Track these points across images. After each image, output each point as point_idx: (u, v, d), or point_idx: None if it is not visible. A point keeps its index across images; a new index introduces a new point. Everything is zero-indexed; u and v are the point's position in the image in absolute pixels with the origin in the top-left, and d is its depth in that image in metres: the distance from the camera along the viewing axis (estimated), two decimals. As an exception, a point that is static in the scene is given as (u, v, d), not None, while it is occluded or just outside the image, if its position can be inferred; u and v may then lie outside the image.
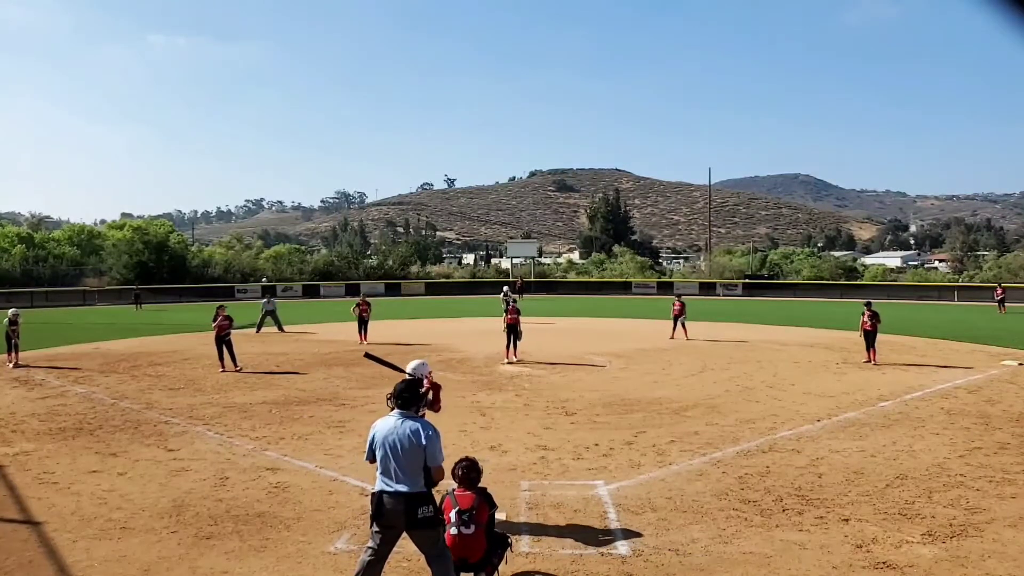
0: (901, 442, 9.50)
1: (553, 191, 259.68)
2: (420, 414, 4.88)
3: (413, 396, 4.78)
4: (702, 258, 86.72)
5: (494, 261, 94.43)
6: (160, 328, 26.56)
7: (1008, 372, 15.45)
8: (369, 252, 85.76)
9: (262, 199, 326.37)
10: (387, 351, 19.03)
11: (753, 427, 10.43)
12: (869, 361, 16.61)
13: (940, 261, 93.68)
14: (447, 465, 4.86)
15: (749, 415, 11.25)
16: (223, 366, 16.01)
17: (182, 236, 64.97)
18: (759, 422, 10.75)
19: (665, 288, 50.46)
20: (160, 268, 49.67)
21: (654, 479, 7.94)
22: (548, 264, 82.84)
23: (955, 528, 6.40)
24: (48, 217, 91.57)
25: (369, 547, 4.76)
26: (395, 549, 4.93)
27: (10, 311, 17.50)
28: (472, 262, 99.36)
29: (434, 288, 54.77)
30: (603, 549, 6.02)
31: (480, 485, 5.29)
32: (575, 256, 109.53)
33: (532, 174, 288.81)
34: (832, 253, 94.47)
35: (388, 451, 4.61)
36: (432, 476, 4.65)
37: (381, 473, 4.67)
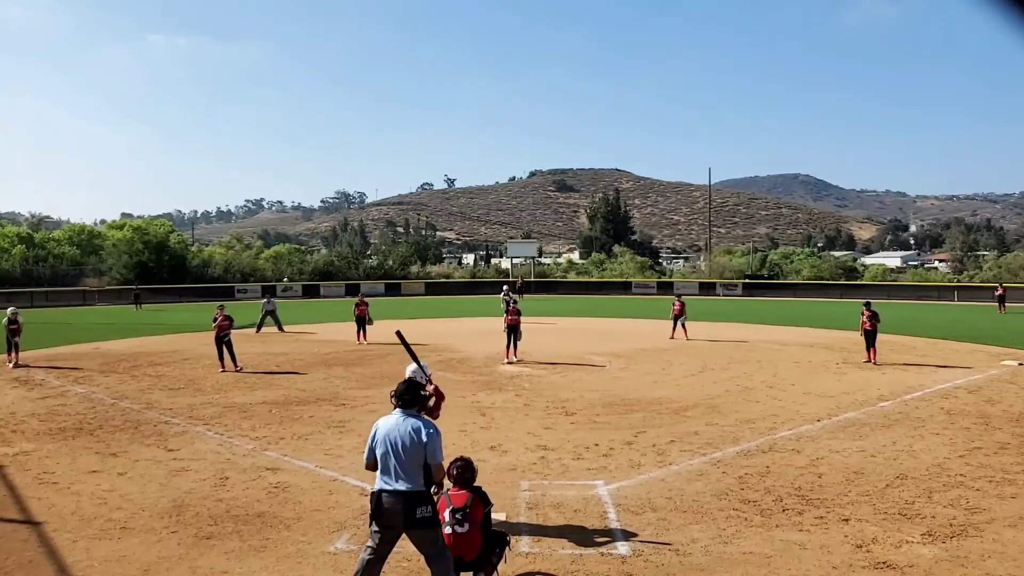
0: (901, 442, 9.50)
1: (553, 191, 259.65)
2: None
3: (414, 396, 4.86)
4: (702, 258, 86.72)
5: (494, 261, 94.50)
6: (160, 328, 26.57)
7: (1008, 372, 15.45)
8: (369, 252, 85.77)
9: (262, 199, 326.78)
10: (387, 351, 19.08)
11: (753, 427, 10.43)
12: (869, 361, 16.61)
13: (940, 261, 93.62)
14: (445, 465, 4.91)
15: (749, 415, 11.25)
16: (223, 366, 16.02)
17: (182, 236, 65.02)
18: (759, 422, 10.75)
19: (665, 288, 50.47)
20: (160, 268, 49.70)
21: (654, 479, 7.94)
22: (548, 264, 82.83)
23: (955, 528, 6.40)
24: (48, 217, 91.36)
25: (368, 546, 4.78)
26: (395, 549, 4.93)
27: (9, 310, 17.50)
28: (472, 262, 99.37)
29: (434, 288, 54.78)
30: (603, 549, 6.02)
31: (476, 484, 5.30)
32: (575, 256, 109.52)
33: (532, 174, 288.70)
34: (832, 253, 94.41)
35: (389, 448, 4.65)
36: (432, 474, 4.69)
37: (381, 472, 4.70)
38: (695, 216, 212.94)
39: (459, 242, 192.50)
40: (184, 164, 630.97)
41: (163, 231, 55.42)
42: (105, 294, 44.97)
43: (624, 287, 54.17)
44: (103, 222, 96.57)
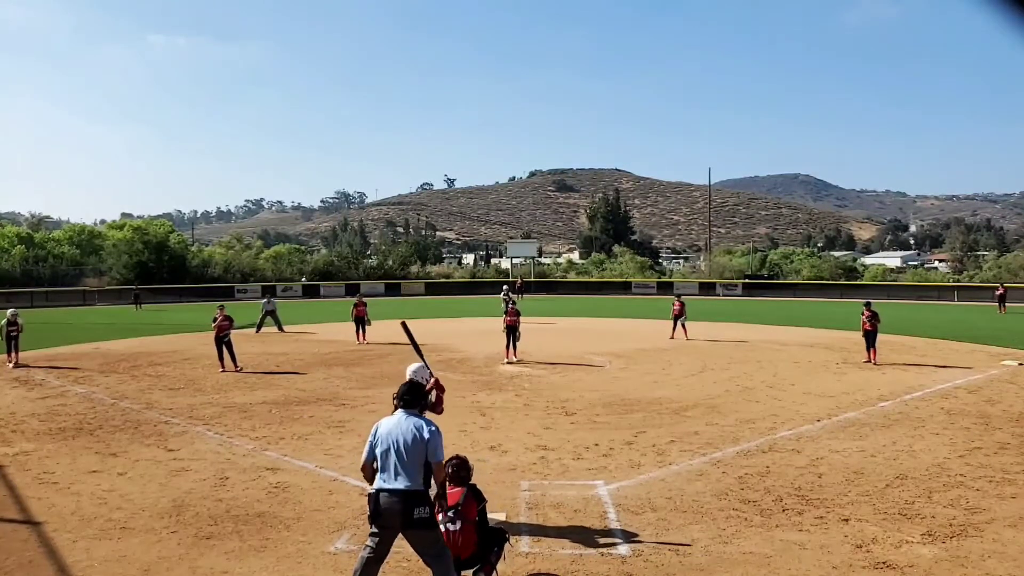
0: (901, 442, 9.50)
1: (553, 191, 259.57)
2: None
3: (416, 397, 4.94)
4: (702, 258, 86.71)
5: (494, 261, 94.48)
6: (160, 328, 26.57)
7: (1008, 372, 15.45)
8: (369, 252, 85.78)
9: (262, 199, 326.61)
10: (387, 351, 19.09)
11: (753, 427, 10.43)
12: (869, 361, 16.61)
13: (940, 261, 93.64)
14: None
15: (749, 415, 11.25)
16: (223, 366, 16.02)
17: (182, 236, 65.00)
18: (759, 422, 10.75)
19: (665, 288, 50.48)
20: (160, 268, 49.71)
21: (654, 479, 7.94)
22: (548, 264, 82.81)
23: (955, 528, 6.40)
24: (48, 217, 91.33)
25: (367, 546, 4.80)
26: (395, 549, 4.93)
27: (8, 312, 17.50)
28: (472, 262, 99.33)
29: (434, 288, 54.79)
30: (603, 549, 6.02)
31: (473, 483, 5.31)
32: (575, 256, 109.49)
33: (532, 174, 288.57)
34: (832, 253, 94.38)
35: (391, 446, 4.69)
36: (433, 473, 4.75)
37: (380, 470, 4.72)
38: (695, 216, 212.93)
39: (459, 242, 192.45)
40: (184, 164, 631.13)
41: (163, 231, 55.41)
42: (105, 294, 44.97)
43: (624, 287, 54.18)
44: (103, 222, 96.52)
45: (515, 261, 67.61)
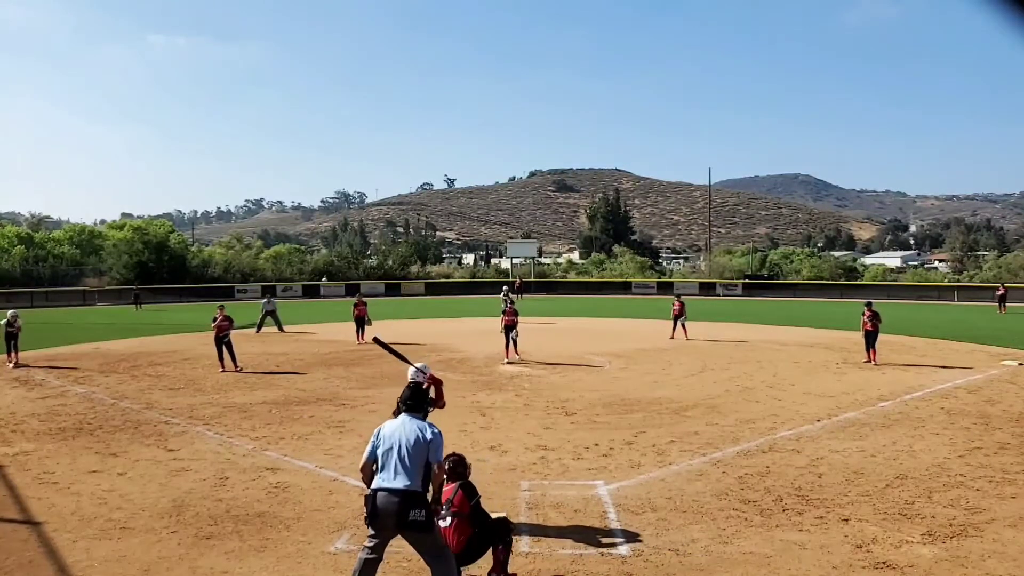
0: (901, 442, 9.50)
1: (553, 191, 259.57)
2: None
3: (418, 401, 5.03)
4: (702, 258, 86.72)
5: (494, 261, 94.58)
6: (160, 328, 26.57)
7: (1008, 372, 15.45)
8: (369, 252, 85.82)
9: (262, 199, 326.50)
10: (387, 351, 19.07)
11: (753, 427, 10.43)
12: (869, 361, 16.61)
13: (940, 261, 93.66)
14: None
15: (749, 415, 11.25)
16: (223, 366, 16.01)
17: (182, 236, 65.02)
18: (759, 422, 10.75)
19: (665, 288, 50.48)
20: (160, 268, 49.71)
21: (654, 479, 7.94)
22: (548, 264, 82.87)
23: (955, 528, 6.40)
24: (48, 217, 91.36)
25: (366, 546, 4.83)
26: (396, 549, 4.94)
27: (8, 313, 17.50)
28: (472, 262, 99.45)
29: (434, 288, 54.79)
30: (603, 549, 6.02)
31: (468, 479, 5.33)
32: (575, 256, 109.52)
33: (532, 174, 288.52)
34: (832, 253, 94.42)
35: (393, 446, 4.76)
36: (433, 474, 4.80)
37: (381, 469, 4.76)
38: (695, 216, 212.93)
39: (459, 242, 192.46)
40: (184, 164, 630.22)
41: (163, 231, 55.43)
42: (105, 294, 44.96)
43: (624, 287, 54.18)
44: (103, 222, 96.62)
45: (515, 261, 67.65)
